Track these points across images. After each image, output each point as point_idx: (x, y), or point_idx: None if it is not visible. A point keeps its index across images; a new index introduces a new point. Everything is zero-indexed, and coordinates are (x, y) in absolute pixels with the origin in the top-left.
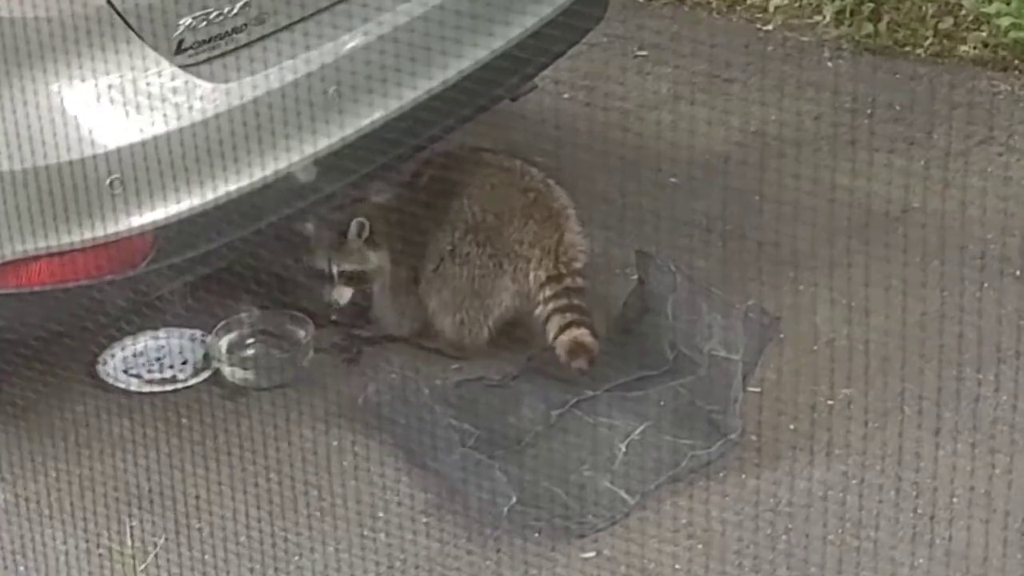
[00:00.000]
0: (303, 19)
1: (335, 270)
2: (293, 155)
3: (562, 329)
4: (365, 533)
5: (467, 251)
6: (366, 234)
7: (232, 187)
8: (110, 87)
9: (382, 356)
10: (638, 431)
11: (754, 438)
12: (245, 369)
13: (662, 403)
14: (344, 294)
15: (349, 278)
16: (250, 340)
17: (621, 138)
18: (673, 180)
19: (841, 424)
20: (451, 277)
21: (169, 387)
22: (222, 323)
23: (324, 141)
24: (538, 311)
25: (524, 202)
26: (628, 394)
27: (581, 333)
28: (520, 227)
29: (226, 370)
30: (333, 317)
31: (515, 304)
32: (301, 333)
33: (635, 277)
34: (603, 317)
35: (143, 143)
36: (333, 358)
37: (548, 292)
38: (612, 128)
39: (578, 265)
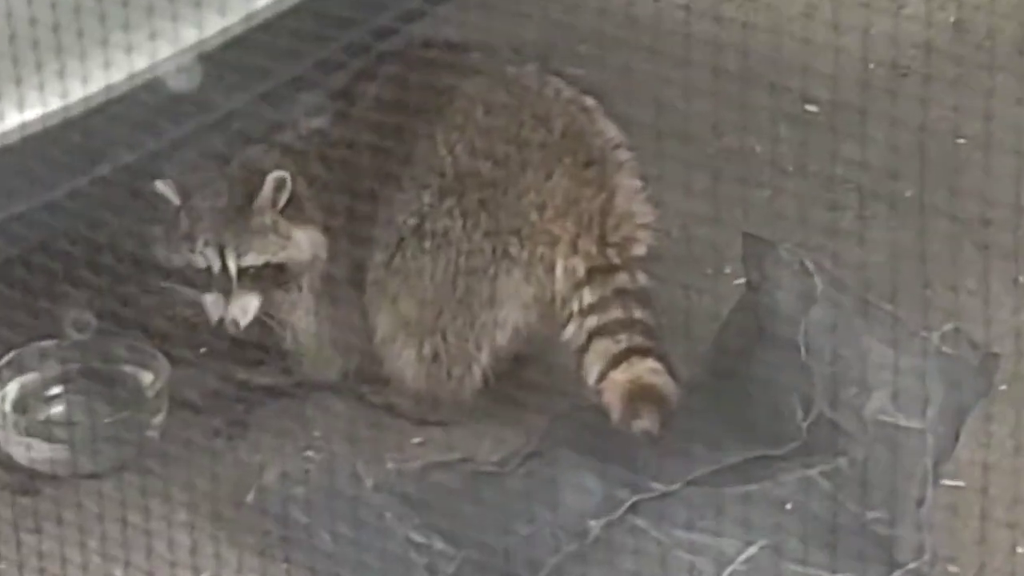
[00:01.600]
0: None
1: (231, 264)
2: (158, 49)
3: (614, 362)
4: None
5: (445, 227)
6: (285, 198)
7: (46, 109)
8: None
9: (292, 419)
10: (746, 555)
11: (954, 569)
12: (48, 441)
13: (790, 506)
14: (247, 306)
15: (256, 278)
16: (57, 389)
17: (716, 35)
18: (810, 109)
19: None
20: (416, 275)
21: None
22: (8, 357)
23: (216, 23)
24: (571, 331)
25: (545, 139)
26: (729, 489)
27: (647, 369)
28: (539, 183)
29: (15, 442)
30: (204, 349)
31: (530, 321)
32: (147, 377)
33: (742, 280)
34: (685, 347)
35: None
36: (204, 423)
37: (589, 297)
38: (700, 17)
39: (639, 251)
